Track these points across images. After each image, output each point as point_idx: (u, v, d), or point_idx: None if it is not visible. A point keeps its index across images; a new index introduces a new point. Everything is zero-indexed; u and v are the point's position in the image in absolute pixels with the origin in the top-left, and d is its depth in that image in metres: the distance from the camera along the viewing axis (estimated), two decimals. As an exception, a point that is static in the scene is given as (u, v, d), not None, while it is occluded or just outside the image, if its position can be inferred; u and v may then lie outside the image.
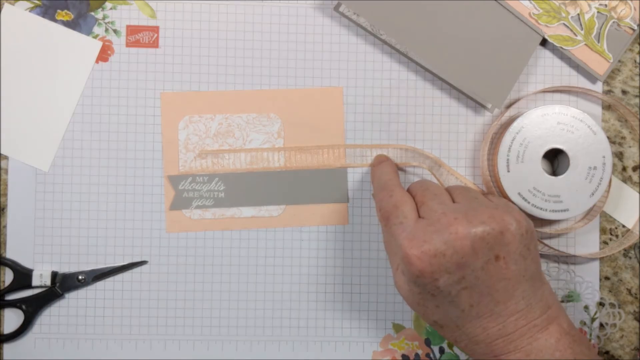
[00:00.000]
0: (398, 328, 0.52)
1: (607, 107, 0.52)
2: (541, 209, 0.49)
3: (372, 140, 0.52)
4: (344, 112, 0.52)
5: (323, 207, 0.52)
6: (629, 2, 0.50)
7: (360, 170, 0.52)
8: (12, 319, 0.51)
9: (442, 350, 0.52)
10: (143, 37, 0.51)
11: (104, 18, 0.51)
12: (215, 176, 0.51)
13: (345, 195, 0.52)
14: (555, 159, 0.51)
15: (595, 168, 0.49)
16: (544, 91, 0.52)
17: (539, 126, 0.49)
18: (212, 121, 0.51)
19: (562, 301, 0.52)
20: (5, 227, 0.51)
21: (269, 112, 0.52)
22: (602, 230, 0.52)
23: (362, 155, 0.52)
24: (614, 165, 0.52)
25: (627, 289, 0.52)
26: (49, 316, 0.51)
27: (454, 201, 0.43)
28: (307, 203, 0.52)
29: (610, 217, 0.52)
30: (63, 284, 0.51)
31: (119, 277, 0.51)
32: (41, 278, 0.50)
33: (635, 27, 0.50)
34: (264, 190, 0.51)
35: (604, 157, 0.49)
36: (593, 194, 0.49)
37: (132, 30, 0.51)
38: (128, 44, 0.51)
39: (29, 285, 0.51)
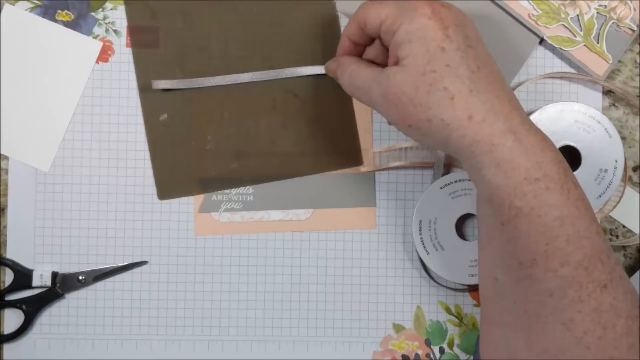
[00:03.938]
0: (398, 328, 0.52)
1: (607, 107, 0.52)
2: None
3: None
4: (372, 116, 0.52)
5: (350, 211, 0.52)
6: (629, 2, 0.50)
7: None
8: (12, 319, 0.51)
9: (442, 351, 0.52)
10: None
11: (104, 18, 0.51)
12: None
13: (373, 199, 0.52)
14: (565, 157, 0.51)
15: (606, 171, 0.49)
16: (549, 76, 0.51)
17: (555, 122, 0.49)
18: None
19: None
20: (5, 227, 0.51)
21: None
22: (603, 231, 0.52)
23: (389, 158, 0.52)
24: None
25: (627, 289, 0.52)
26: (49, 316, 0.51)
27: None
28: (334, 207, 0.52)
29: (611, 217, 0.52)
30: (63, 284, 0.51)
31: (119, 277, 0.51)
32: (41, 278, 0.50)
33: (635, 28, 0.51)
34: (292, 194, 0.52)
35: (616, 161, 0.49)
36: (600, 196, 0.49)
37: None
38: (128, 44, 0.51)
39: (29, 286, 0.51)
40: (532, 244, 0.38)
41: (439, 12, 0.40)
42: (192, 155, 0.51)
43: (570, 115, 0.49)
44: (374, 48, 0.45)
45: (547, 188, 0.38)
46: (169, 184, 0.51)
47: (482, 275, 0.43)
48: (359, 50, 0.46)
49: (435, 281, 0.52)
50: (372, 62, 0.45)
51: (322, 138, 0.51)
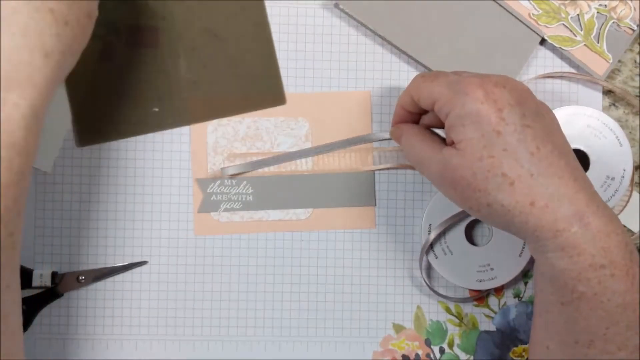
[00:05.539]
0: (398, 328, 0.52)
1: (607, 107, 0.52)
2: None
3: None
4: (371, 115, 0.52)
5: (350, 211, 0.52)
6: (629, 2, 0.50)
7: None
8: (12, 319, 0.51)
9: (442, 351, 0.52)
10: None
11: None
12: (244, 179, 0.51)
13: (373, 199, 0.52)
14: None
15: (613, 178, 0.49)
16: (549, 76, 0.51)
17: (566, 125, 0.48)
18: (241, 124, 0.51)
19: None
20: (5, 227, 0.51)
21: (297, 115, 0.51)
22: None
23: (389, 158, 0.52)
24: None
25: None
26: (49, 316, 0.51)
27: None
28: (334, 206, 0.52)
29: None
30: (63, 284, 0.51)
31: (119, 277, 0.51)
32: (41, 278, 0.50)
33: (635, 28, 0.51)
34: (292, 194, 0.52)
35: (624, 170, 0.49)
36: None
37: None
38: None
39: (29, 285, 0.50)
40: (591, 327, 0.38)
41: (492, 94, 0.39)
42: (113, 99, 0.50)
43: (583, 119, 0.49)
44: (431, 115, 0.45)
45: (612, 275, 0.37)
46: (90, 130, 0.50)
47: (534, 339, 0.42)
48: (414, 118, 0.46)
49: (435, 292, 0.51)
50: (430, 128, 0.45)
51: (245, 78, 0.51)
